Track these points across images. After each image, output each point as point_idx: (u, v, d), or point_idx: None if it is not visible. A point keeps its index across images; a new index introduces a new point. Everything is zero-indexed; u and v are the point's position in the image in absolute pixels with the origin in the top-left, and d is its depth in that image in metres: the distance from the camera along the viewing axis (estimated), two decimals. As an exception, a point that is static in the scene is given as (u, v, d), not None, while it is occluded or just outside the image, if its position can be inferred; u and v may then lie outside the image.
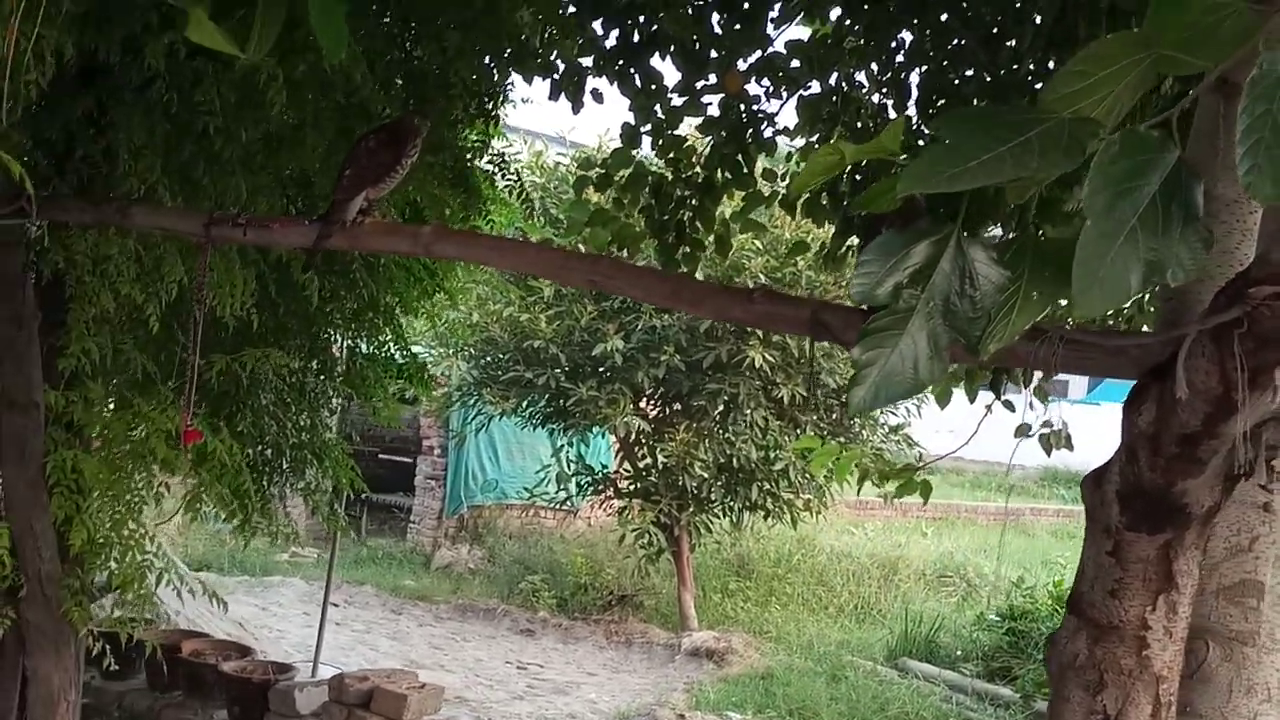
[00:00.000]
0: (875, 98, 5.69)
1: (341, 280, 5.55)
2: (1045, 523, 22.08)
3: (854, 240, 5.72)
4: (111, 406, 4.17)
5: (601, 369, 11.39)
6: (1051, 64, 4.99)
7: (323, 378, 6.07)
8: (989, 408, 5.61)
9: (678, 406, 11.89)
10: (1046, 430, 5.97)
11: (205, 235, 2.78)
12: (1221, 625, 2.41)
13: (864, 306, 2.12)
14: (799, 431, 11.59)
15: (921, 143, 4.81)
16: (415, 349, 7.45)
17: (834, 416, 11.87)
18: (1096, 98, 1.50)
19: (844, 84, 5.63)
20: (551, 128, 15.77)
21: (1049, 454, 6.13)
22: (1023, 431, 5.96)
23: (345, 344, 6.31)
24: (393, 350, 6.55)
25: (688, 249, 5.81)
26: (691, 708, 9.52)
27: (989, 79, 5.14)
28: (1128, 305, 5.53)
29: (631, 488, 12.16)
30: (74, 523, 3.70)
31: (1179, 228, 1.43)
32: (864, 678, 10.53)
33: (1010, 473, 28.47)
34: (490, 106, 5.24)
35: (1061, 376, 2.27)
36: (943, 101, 5.36)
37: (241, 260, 4.25)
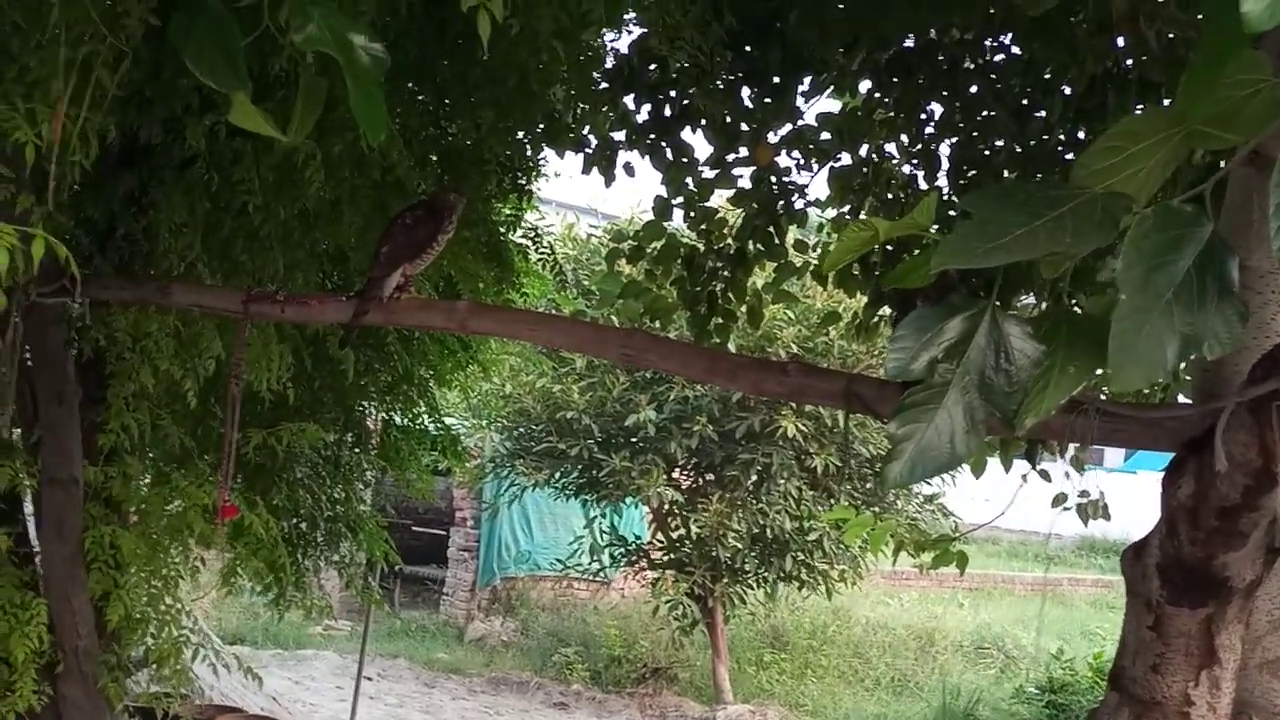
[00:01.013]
0: (905, 169, 5.72)
1: (376, 353, 5.59)
2: (1084, 593, 21.81)
3: (885, 310, 5.73)
4: (149, 482, 4.19)
5: (634, 439, 11.39)
6: (1081, 134, 5.01)
7: (357, 450, 6.09)
8: (1024, 477, 5.58)
9: (711, 476, 11.86)
10: (1083, 500, 5.94)
11: (244, 312, 2.81)
12: (1266, 700, 2.37)
13: (899, 380, 2.12)
14: (833, 501, 11.53)
15: (953, 214, 4.84)
16: (448, 421, 7.48)
17: (868, 486, 11.80)
18: (1129, 173, 1.51)
19: (874, 155, 5.67)
20: (583, 200, 15.90)
21: (1086, 524, 6.09)
22: (1059, 501, 5.93)
23: (380, 416, 6.34)
24: (427, 422, 6.57)
25: (720, 320, 5.83)
26: (727, 783, 9.42)
27: (1019, 150, 5.17)
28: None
29: (665, 558, 12.12)
30: (111, 598, 3.71)
31: (1214, 301, 1.44)
32: (902, 752, 10.40)
33: (1048, 542, 28.19)
34: (523, 181, 5.29)
35: (1097, 445, 2.25)
36: (973, 172, 5.39)
37: (278, 335, 4.29)
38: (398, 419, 6.41)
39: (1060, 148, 5.10)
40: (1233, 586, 1.93)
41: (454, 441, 6.90)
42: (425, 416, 6.52)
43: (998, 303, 1.57)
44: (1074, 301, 4.22)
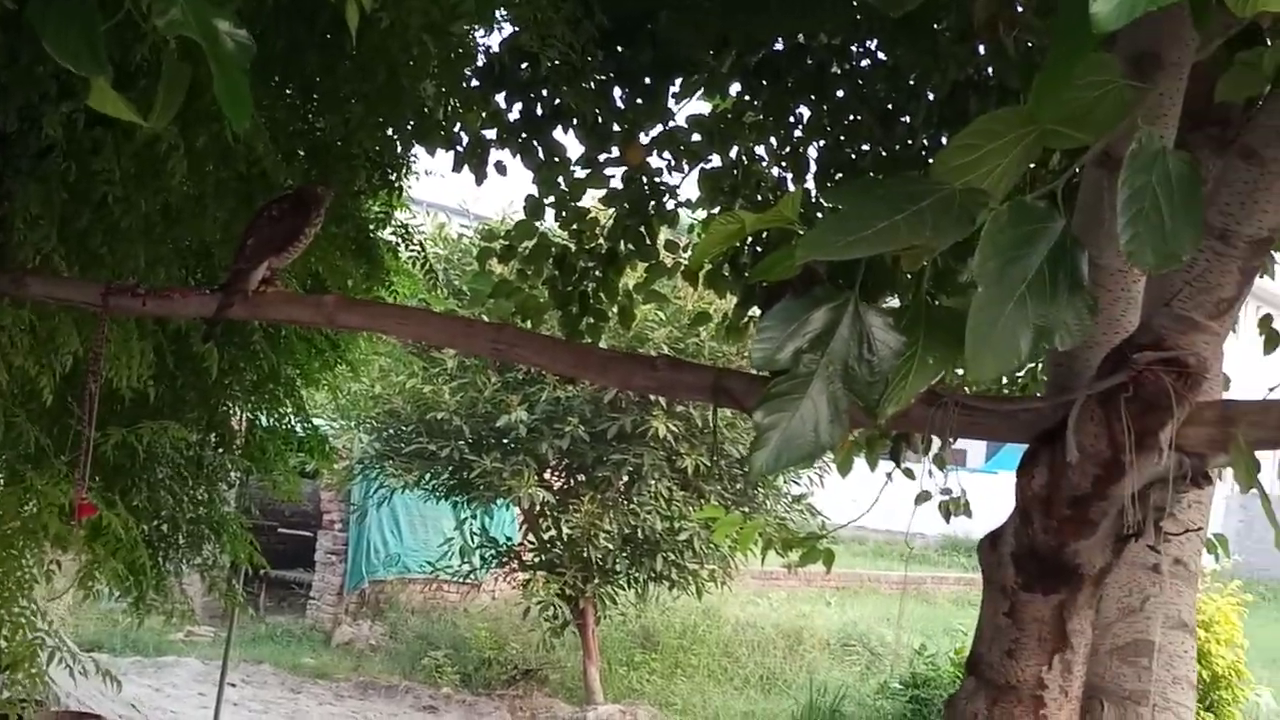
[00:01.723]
0: (775, 171, 5.80)
1: (241, 352, 5.47)
2: (946, 590, 22.28)
3: (755, 311, 5.80)
4: (1, 481, 4.06)
5: (505, 440, 11.34)
6: (944, 139, 5.14)
7: (221, 451, 5.96)
8: (889, 476, 5.69)
9: (582, 477, 11.87)
10: (945, 498, 6.07)
11: (103, 306, 2.74)
12: (1115, 685, 2.46)
13: (765, 373, 2.15)
14: (703, 501, 11.62)
15: (820, 214, 4.92)
16: (316, 421, 7.36)
17: (738, 487, 11.92)
18: (985, 170, 1.56)
19: (744, 157, 5.74)
20: (454, 200, 15.80)
21: (948, 521, 6.23)
22: (923, 498, 6.05)
23: (245, 416, 6.22)
24: (293, 423, 6.46)
25: (591, 320, 5.85)
26: (597, 783, 9.43)
27: (884, 154, 5.28)
28: (1022, 374, 5.66)
29: (536, 559, 12.09)
30: (-38, 600, 3.60)
31: (1066, 294, 1.49)
32: (770, 749, 10.53)
33: (911, 541, 28.73)
34: (393, 178, 5.23)
35: (960, 446, 2.32)
36: (840, 175, 5.49)
37: (139, 331, 4.18)
38: (263, 419, 6.29)
39: (924, 152, 5.23)
40: (1084, 574, 2.00)
41: (322, 442, 6.79)
42: (292, 417, 6.41)
43: (861, 298, 1.60)
44: (936, 300, 4.32)
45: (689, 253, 6.31)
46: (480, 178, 5.60)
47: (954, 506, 6.09)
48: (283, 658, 13.55)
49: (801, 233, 1.57)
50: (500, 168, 5.64)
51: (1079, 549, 1.97)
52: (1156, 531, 2.15)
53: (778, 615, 15.54)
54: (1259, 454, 1.90)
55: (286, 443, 6.46)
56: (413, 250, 5.83)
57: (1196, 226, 1.42)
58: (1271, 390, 2.22)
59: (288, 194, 2.86)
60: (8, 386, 3.62)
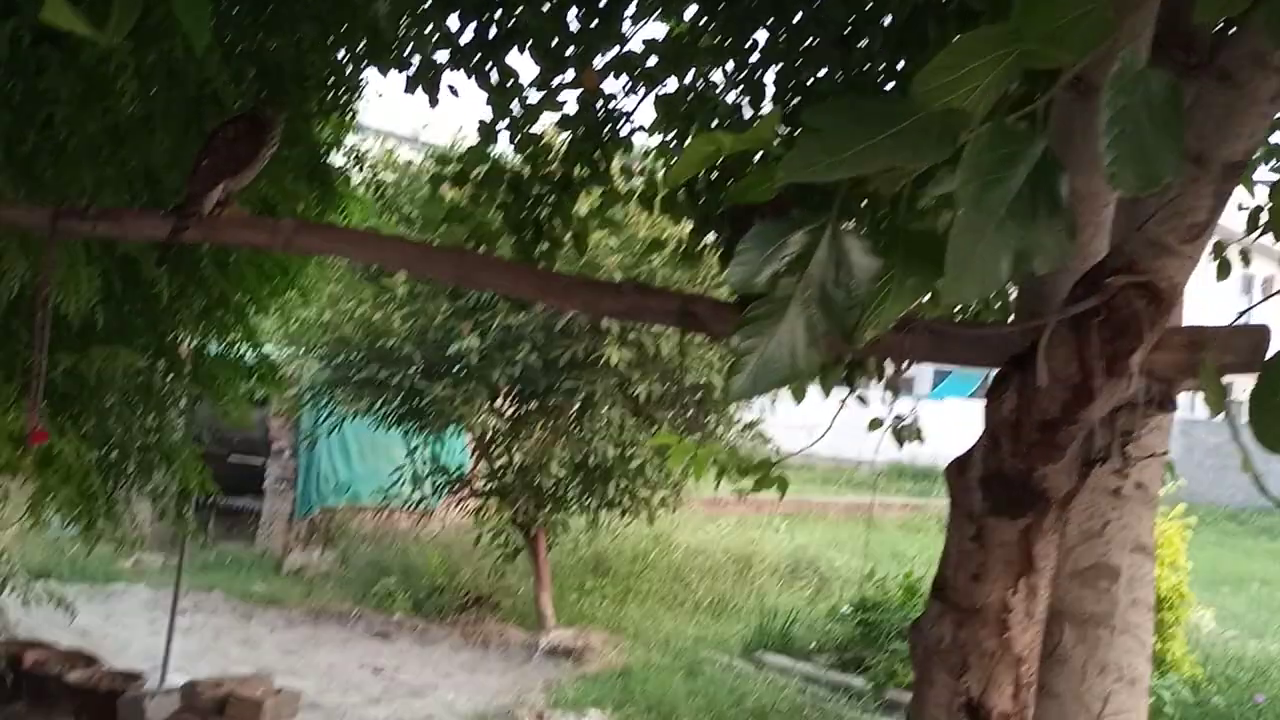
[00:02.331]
0: (730, 96, 5.74)
1: (190, 277, 5.40)
2: (893, 516, 22.60)
3: (710, 237, 5.78)
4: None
5: (457, 367, 11.27)
6: (901, 64, 5.10)
7: (170, 377, 5.89)
8: (843, 402, 5.71)
9: (534, 405, 11.84)
10: (898, 424, 6.13)
11: (52, 229, 2.67)
12: (1076, 608, 2.49)
13: (734, 298, 2.13)
14: (655, 429, 11.65)
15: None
16: (266, 349, 7.28)
17: (689, 414, 11.95)
18: (964, 90, 1.53)
19: (700, 82, 5.67)
20: (405, 127, 15.61)
21: (901, 446, 6.29)
22: (876, 425, 6.11)
23: (194, 343, 6.14)
24: (244, 350, 6.39)
25: (546, 246, 5.79)
26: (550, 706, 9.51)
27: (842, 78, 5.23)
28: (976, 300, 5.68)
29: (488, 487, 12.09)
30: (-90, 529, 3.54)
31: (1045, 217, 1.47)
32: (721, 672, 10.64)
33: (859, 468, 29.10)
34: (345, 100, 5.14)
35: (907, 374, 2.31)
36: (797, 100, 5.44)
37: (86, 256, 4.11)
38: (213, 346, 6.22)
39: (881, 77, 5.18)
40: (1050, 498, 2.01)
41: (272, 370, 6.72)
42: (242, 343, 6.34)
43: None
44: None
45: (644, 178, 6.25)
46: (433, 100, 5.50)
47: (908, 433, 6.15)
48: (233, 585, 13.52)
49: (779, 153, 1.54)
50: (453, 90, 5.55)
51: (1046, 473, 1.98)
52: (1123, 456, 2.16)
53: (728, 541, 15.66)
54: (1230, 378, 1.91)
55: (236, 370, 6.40)
56: (365, 174, 5.73)
57: (1179, 149, 1.41)
58: (1241, 316, 2.22)
59: (243, 115, 2.79)
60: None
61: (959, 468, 2.11)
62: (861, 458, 29.17)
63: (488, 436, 11.64)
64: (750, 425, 12.40)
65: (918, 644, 2.16)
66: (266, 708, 5.41)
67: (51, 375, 4.09)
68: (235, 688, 5.52)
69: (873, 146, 1.47)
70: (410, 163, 12.61)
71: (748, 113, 5.66)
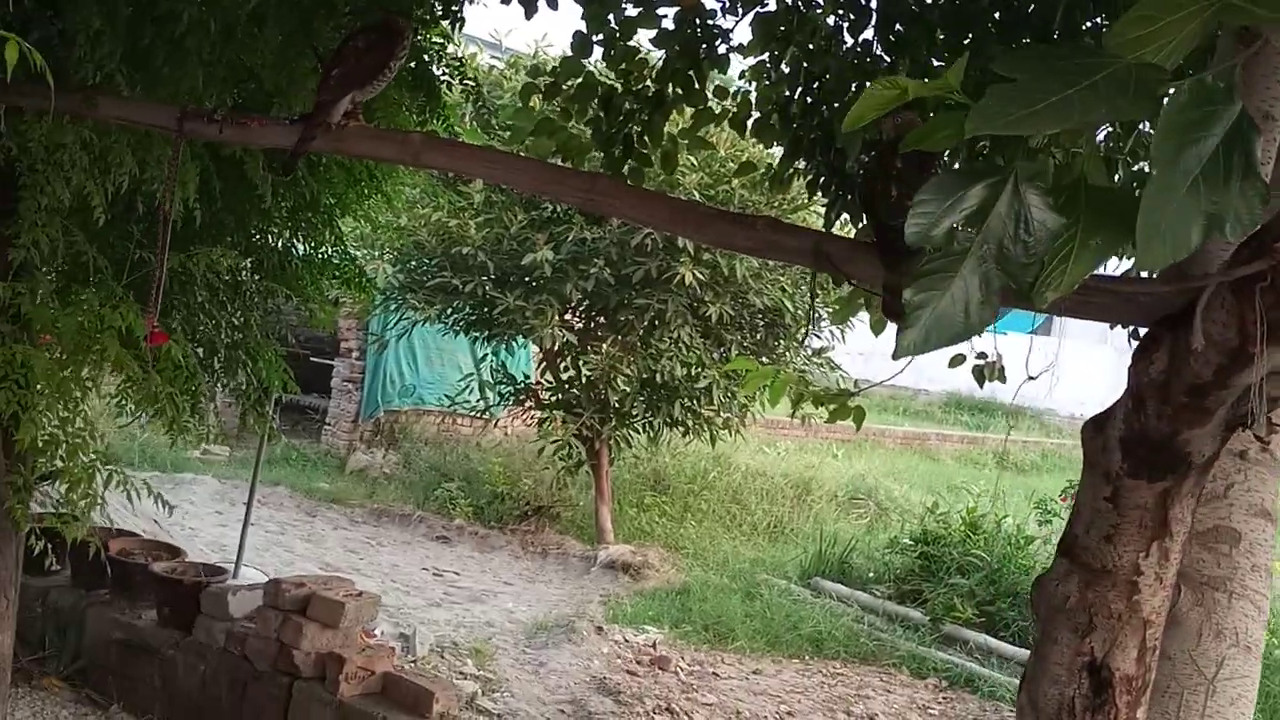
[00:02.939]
0: (830, 19, 5.62)
1: (281, 178, 5.40)
2: (950, 448, 22.51)
3: (801, 164, 5.72)
4: (59, 301, 4.02)
5: (529, 279, 11.27)
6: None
7: (259, 277, 5.93)
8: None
9: (603, 320, 11.84)
10: (981, 362, 6.05)
11: (179, 130, 2.67)
12: (1195, 570, 2.46)
13: (867, 239, 2.09)
14: (723, 350, 11.63)
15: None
16: (351, 252, 7.29)
17: (758, 336, 11.92)
18: (1159, 44, 1.48)
19: (800, 3, 5.56)
20: (485, 32, 15.47)
21: (982, 385, 6.21)
22: (958, 362, 6.04)
23: (281, 243, 6.17)
24: (330, 252, 6.41)
25: (634, 163, 5.74)
26: (609, 620, 9.60)
27: (953, 4, 5.10)
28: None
29: (554, 399, 12.14)
30: (21, 419, 3.58)
31: (1239, 180, 1.42)
32: (778, 596, 10.68)
33: (916, 397, 28.99)
34: (456, 7, 5.08)
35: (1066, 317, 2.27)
36: (899, 28, 5.33)
37: (189, 154, 4.11)
38: (299, 247, 6.25)
39: (992, 6, 5.04)
40: (1192, 462, 1.97)
41: (359, 273, 6.74)
42: (330, 246, 6.36)
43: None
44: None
45: (738, 99, 6.16)
46: (530, 10, 5.43)
47: (989, 371, 6.08)
48: (298, 481, 13.73)
49: (963, 99, 1.50)
50: (551, 1, 5.47)
51: (1191, 437, 1.94)
52: (1268, 422, 2.11)
53: (786, 465, 15.66)
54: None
55: (323, 272, 6.43)
56: (467, 83, 5.68)
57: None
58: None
59: (373, 25, 2.75)
60: (68, 205, 3.56)
61: (1096, 426, 2.08)
62: (918, 387, 29.07)
63: (556, 349, 11.66)
64: (819, 351, 12.34)
65: (1041, 601, 2.14)
66: (348, 609, 5.49)
67: (145, 273, 4.10)
68: (318, 588, 5.61)
69: (1067, 99, 1.42)
70: (491, 68, 12.52)
71: (848, 38, 5.56)
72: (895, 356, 1.53)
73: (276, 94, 4.41)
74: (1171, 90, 1.43)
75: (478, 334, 12.10)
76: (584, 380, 11.77)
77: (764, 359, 11.49)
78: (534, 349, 13.34)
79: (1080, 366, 22.43)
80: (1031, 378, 5.22)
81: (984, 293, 1.51)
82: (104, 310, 3.58)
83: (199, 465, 13.56)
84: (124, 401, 4.43)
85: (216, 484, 13.01)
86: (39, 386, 3.61)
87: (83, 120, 3.36)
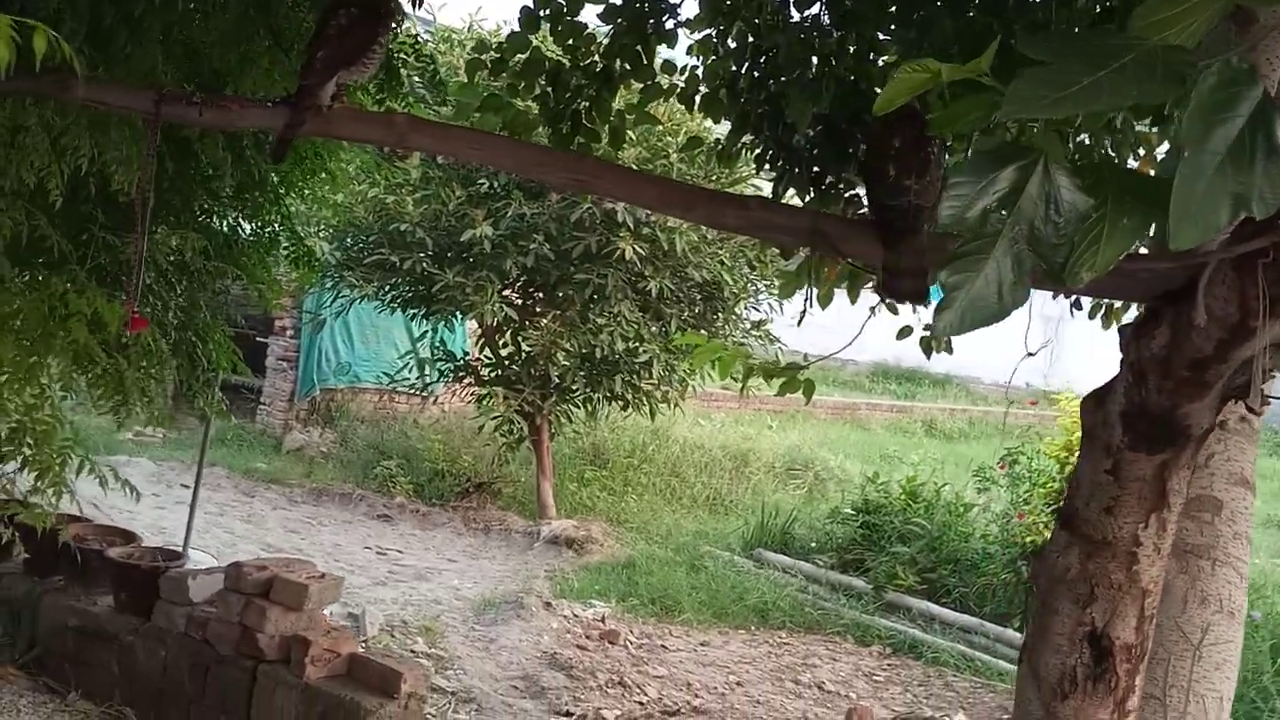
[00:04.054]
0: (777, -7, 5.63)
1: (229, 156, 5.32)
2: (880, 418, 22.72)
3: (748, 138, 5.73)
4: (20, 286, 3.93)
5: (468, 255, 11.19)
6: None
7: (205, 258, 5.84)
8: (873, 310, 5.71)
9: (542, 295, 11.81)
10: (928, 333, 6.13)
11: (156, 113, 2.62)
12: (1179, 539, 2.51)
13: (863, 216, 2.11)
14: (662, 324, 11.64)
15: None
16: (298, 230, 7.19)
17: (697, 310, 11.95)
18: (1181, 26, 1.51)
19: (747, -24, 5.56)
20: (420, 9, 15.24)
21: (929, 356, 6.29)
22: (905, 333, 6.12)
23: (226, 224, 6.09)
24: (278, 230, 6.33)
25: (582, 140, 5.73)
26: (556, 595, 9.62)
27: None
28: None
29: (493, 375, 12.10)
30: (-15, 407, 3.51)
31: (1263, 160, 1.46)
32: (722, 568, 10.77)
33: (844, 367, 29.23)
34: (411, -15, 5.00)
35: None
36: (847, 2, 5.35)
37: (140, 134, 4.04)
38: (246, 226, 6.17)
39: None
40: (1191, 434, 2.02)
41: (308, 253, 6.66)
42: (276, 225, 6.28)
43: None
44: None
45: (685, 75, 6.16)
46: (478, -14, 5.40)
47: (936, 343, 6.15)
48: (235, 461, 13.57)
49: (992, 83, 1.52)
50: (497, -25, 5.44)
51: (1190, 410, 1.99)
52: (1261, 394, 2.16)
53: (723, 437, 15.74)
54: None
55: (269, 251, 6.36)
56: (423, 60, 5.62)
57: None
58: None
59: (356, 0, 2.68)
60: (28, 188, 3.48)
61: (1097, 400, 2.12)
62: (845, 358, 29.28)
63: (495, 325, 11.61)
64: (757, 324, 12.40)
65: (1042, 573, 2.18)
66: (312, 592, 5.45)
67: (106, 257, 4.04)
68: (280, 571, 5.56)
69: (1097, 82, 1.44)
70: (424, 43, 12.37)
71: (794, 14, 5.57)
72: (931, 337, 1.56)
73: (226, 74, 4.34)
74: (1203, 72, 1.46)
75: (416, 311, 12.00)
76: (524, 356, 11.74)
77: (703, 332, 11.51)
78: (471, 325, 13.27)
79: (1001, 331, 22.71)
80: (1030, 354, 5.27)
81: (1017, 273, 1.53)
82: (69, 295, 3.52)
83: (132, 448, 13.34)
84: (72, 387, 4.37)
85: (152, 466, 12.83)
86: (3, 376, 3.54)
87: (45, 102, 3.30)
